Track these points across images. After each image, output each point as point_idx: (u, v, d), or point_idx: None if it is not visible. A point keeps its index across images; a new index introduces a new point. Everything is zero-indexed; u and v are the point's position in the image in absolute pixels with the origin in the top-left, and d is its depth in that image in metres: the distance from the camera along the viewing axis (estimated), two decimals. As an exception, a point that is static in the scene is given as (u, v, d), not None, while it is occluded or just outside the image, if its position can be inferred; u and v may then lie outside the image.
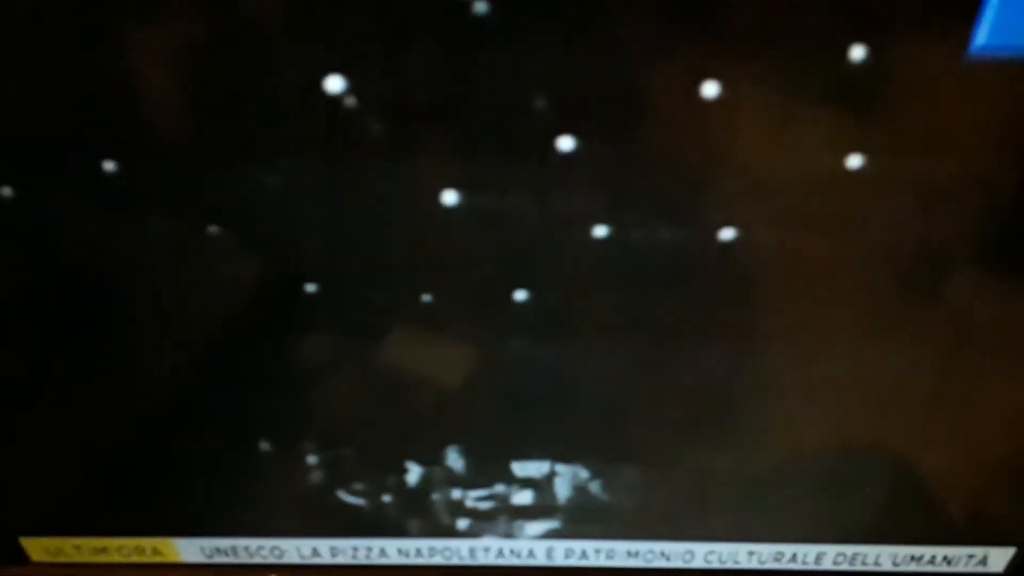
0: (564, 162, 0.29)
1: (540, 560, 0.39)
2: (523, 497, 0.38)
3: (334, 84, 0.27)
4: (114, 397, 0.36)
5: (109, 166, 0.30)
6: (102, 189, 0.30)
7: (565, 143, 0.29)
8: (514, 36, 0.27)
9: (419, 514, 0.38)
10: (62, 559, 0.40)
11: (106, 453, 0.37)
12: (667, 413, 0.35)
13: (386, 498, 0.38)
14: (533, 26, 0.26)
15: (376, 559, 0.39)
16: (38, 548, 0.40)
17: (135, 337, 0.34)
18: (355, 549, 0.39)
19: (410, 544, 0.39)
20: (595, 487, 0.37)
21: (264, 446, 0.37)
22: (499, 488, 0.38)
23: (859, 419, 0.35)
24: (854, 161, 0.28)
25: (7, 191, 0.30)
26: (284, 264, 0.32)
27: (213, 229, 0.31)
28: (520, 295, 0.32)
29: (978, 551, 0.38)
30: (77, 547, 0.40)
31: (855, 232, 0.30)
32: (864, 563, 0.39)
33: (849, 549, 0.38)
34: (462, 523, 0.39)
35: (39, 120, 0.29)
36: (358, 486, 0.38)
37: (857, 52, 0.26)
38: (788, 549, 0.39)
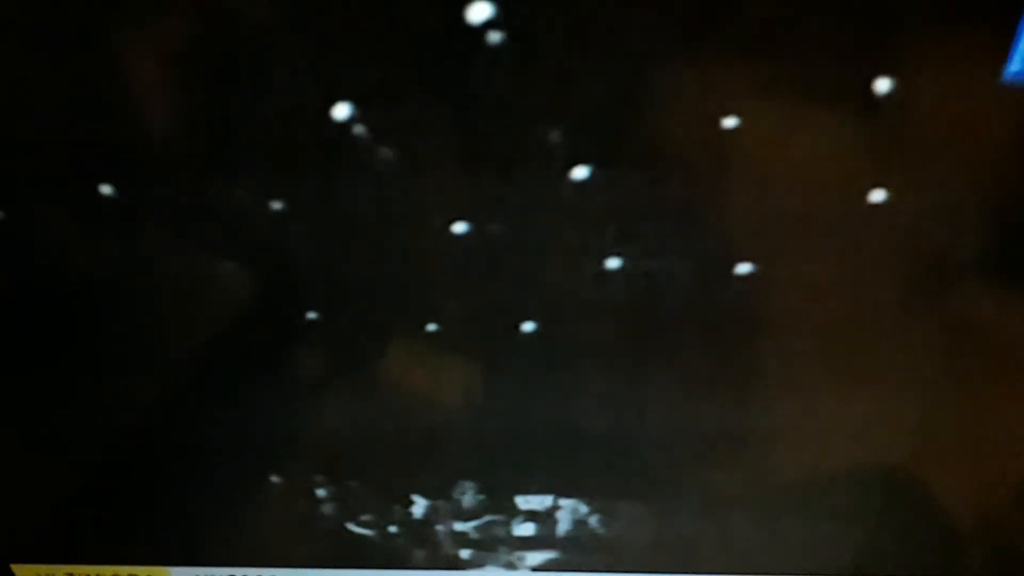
0: (577, 191, 0.28)
1: (544, 593, 0.39)
2: (526, 529, 0.37)
3: (340, 111, 0.26)
4: (108, 423, 0.35)
5: (106, 189, 0.29)
6: (96, 213, 0.29)
7: (578, 172, 0.28)
8: (528, 64, 0.26)
9: (420, 545, 0.37)
10: (53, 587, 0.39)
11: (100, 479, 0.36)
12: (676, 448, 0.34)
13: (388, 529, 0.37)
14: (547, 56, 0.26)
15: (376, 590, 0.39)
16: (29, 575, 0.39)
17: (129, 363, 0.33)
18: (355, 580, 0.38)
19: None
20: (599, 520, 0.37)
21: (262, 475, 0.36)
22: (501, 519, 0.37)
23: (876, 457, 0.34)
24: (878, 194, 0.27)
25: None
26: (285, 291, 0.31)
27: (213, 257, 0.30)
28: (528, 326, 0.31)
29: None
30: (69, 574, 0.39)
31: (878, 268, 0.29)
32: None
33: (863, 584, 0.37)
34: (464, 554, 0.38)
35: (31, 141, 0.29)
36: (359, 517, 0.37)
37: (883, 84, 0.25)
38: (799, 583, 0.38)
